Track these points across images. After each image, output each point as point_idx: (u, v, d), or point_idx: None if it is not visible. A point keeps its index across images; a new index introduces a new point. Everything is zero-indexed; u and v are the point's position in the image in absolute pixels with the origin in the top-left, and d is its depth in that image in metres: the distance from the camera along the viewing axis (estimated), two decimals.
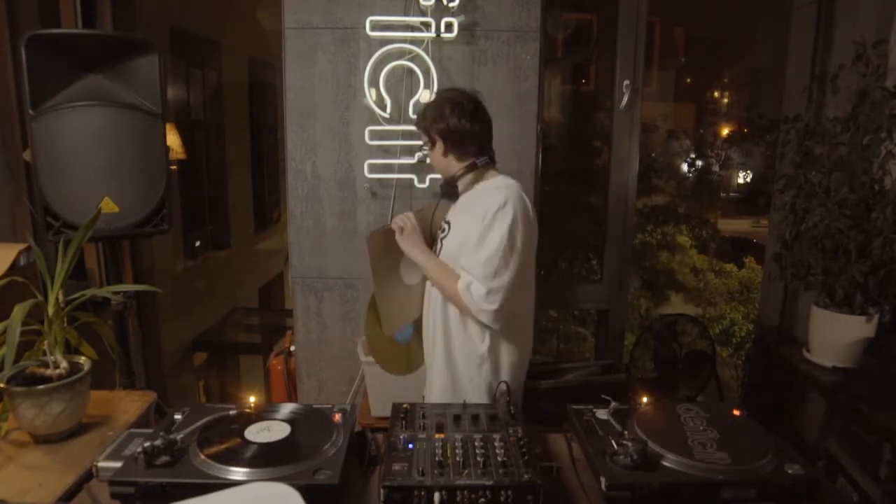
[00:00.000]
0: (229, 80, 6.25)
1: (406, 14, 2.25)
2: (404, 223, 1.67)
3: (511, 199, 1.54)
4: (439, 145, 1.65)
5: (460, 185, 1.67)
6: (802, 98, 2.59)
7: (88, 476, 1.16)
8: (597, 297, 2.95)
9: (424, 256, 1.65)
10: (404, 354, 1.98)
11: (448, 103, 1.62)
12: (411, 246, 1.66)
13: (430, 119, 1.64)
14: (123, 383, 2.00)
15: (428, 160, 1.78)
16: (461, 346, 1.65)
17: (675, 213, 6.77)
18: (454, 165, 1.65)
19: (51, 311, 1.32)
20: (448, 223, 1.71)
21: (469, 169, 1.64)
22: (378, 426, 1.55)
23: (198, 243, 5.81)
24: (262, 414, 1.24)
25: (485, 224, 1.53)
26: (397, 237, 1.67)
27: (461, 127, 1.60)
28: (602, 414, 1.29)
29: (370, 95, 2.27)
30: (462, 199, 1.68)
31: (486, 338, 1.62)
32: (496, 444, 1.13)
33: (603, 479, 1.05)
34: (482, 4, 2.27)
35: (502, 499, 1.00)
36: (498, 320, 1.55)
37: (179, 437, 1.09)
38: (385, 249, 1.73)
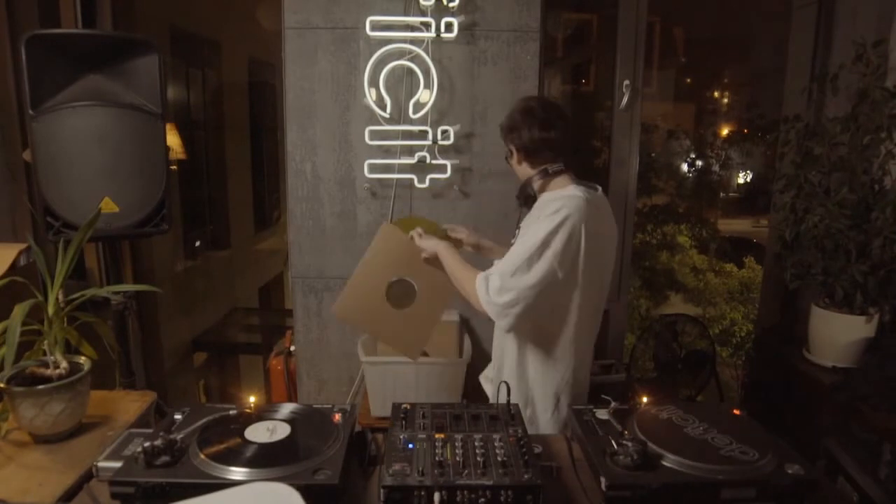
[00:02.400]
0: (229, 80, 6.25)
1: (406, 14, 2.25)
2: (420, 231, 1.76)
3: (565, 209, 1.52)
4: (515, 154, 1.69)
5: (534, 190, 1.67)
6: (802, 98, 2.59)
7: (88, 476, 1.15)
8: None
9: (446, 250, 1.69)
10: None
11: (520, 113, 1.66)
12: (431, 241, 1.72)
13: (505, 130, 1.69)
14: (123, 383, 2.00)
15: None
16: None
17: (675, 213, 6.76)
18: (528, 172, 1.68)
19: (51, 311, 1.32)
20: (519, 229, 1.72)
21: (541, 175, 1.65)
22: (378, 426, 1.55)
23: (198, 243, 5.81)
24: (262, 414, 1.24)
25: (532, 227, 1.55)
26: (416, 240, 1.74)
27: (532, 136, 1.62)
28: (602, 414, 1.29)
29: (370, 95, 2.27)
30: (535, 205, 1.68)
31: (516, 352, 1.67)
32: (496, 444, 1.13)
33: (603, 479, 1.05)
34: (482, 4, 2.27)
35: (502, 499, 0.99)
36: (503, 317, 1.53)
37: (179, 437, 1.09)
38: (390, 247, 1.77)
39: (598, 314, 1.72)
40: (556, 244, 1.50)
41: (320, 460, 1.06)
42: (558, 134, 1.64)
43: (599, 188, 1.70)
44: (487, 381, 1.90)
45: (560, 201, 1.55)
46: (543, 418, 1.68)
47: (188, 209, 5.58)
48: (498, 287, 1.52)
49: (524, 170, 1.69)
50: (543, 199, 1.65)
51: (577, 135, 5.04)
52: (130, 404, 1.49)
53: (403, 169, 2.34)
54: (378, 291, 1.80)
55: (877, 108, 2.09)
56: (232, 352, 6.45)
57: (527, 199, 1.69)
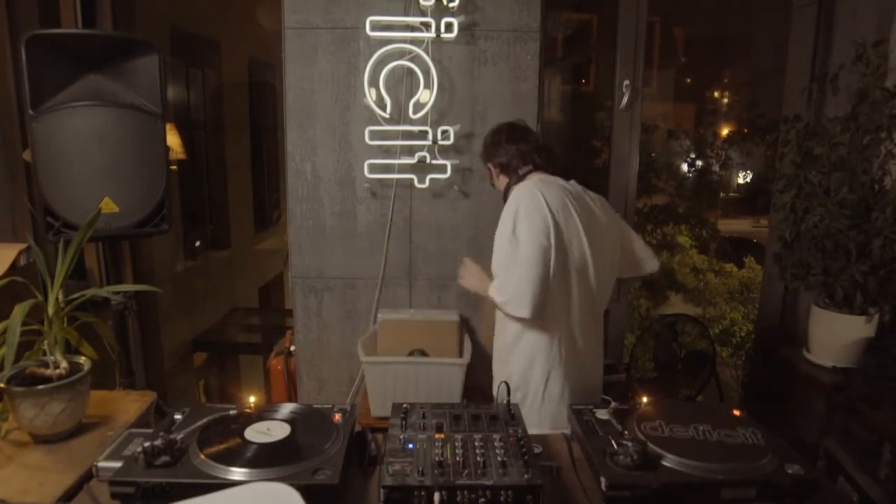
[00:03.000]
0: (229, 80, 6.25)
1: (406, 14, 2.25)
2: (461, 270, 1.93)
3: (515, 191, 1.73)
4: (493, 171, 1.93)
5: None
6: (802, 98, 2.59)
7: (88, 476, 1.16)
8: None
9: (477, 283, 1.86)
10: None
11: (490, 136, 1.94)
12: (468, 284, 1.90)
13: (483, 156, 1.97)
14: (123, 383, 2.00)
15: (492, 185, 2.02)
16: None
17: (675, 213, 6.75)
18: (504, 181, 1.89)
19: (51, 311, 1.32)
20: None
21: (515, 180, 1.84)
22: (378, 426, 1.55)
23: (198, 243, 5.80)
24: (262, 414, 1.24)
25: (498, 229, 1.73)
26: (459, 282, 1.93)
27: (504, 150, 1.87)
28: (602, 414, 1.29)
29: (370, 95, 2.27)
30: None
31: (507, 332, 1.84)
32: (496, 444, 1.13)
33: (603, 479, 1.05)
34: (482, 4, 2.27)
35: (502, 499, 0.99)
36: (520, 307, 1.63)
37: (179, 437, 1.09)
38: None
39: (582, 291, 1.75)
40: (524, 219, 1.65)
41: (320, 460, 1.06)
42: (525, 145, 1.86)
43: (573, 181, 1.86)
44: None
45: (516, 194, 1.74)
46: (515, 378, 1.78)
47: (188, 209, 5.58)
48: (499, 285, 1.67)
49: (503, 181, 1.90)
50: None
51: (577, 135, 5.04)
52: (130, 404, 1.49)
53: (403, 169, 2.34)
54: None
55: (877, 108, 2.09)
56: (232, 352, 6.44)
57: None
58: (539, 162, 1.85)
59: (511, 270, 1.64)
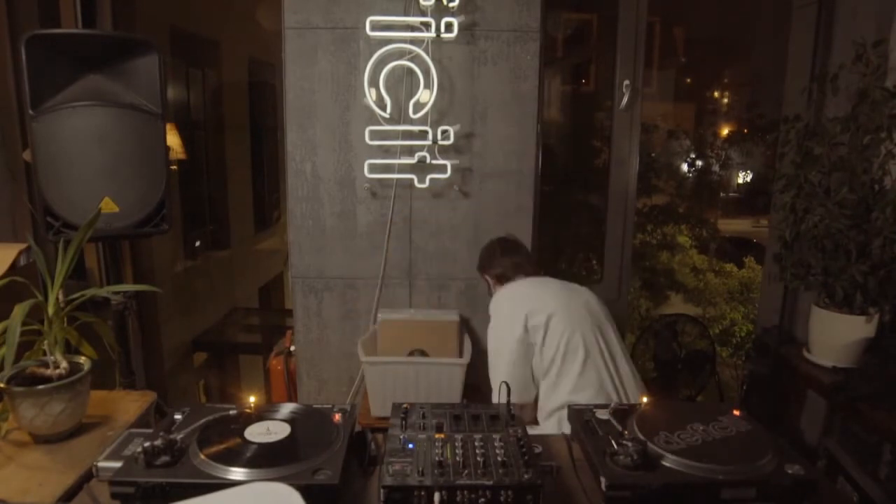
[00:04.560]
0: (229, 80, 6.25)
1: (406, 14, 2.25)
2: None
3: (491, 312, 1.97)
4: (490, 281, 2.15)
5: None
6: (802, 98, 2.59)
7: (88, 476, 1.15)
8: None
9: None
10: None
11: (485, 251, 2.20)
12: None
13: (479, 269, 2.23)
14: (123, 383, 2.00)
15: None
16: None
17: (675, 213, 6.76)
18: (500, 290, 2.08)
19: (51, 311, 1.32)
20: None
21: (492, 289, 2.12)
22: (378, 426, 1.55)
23: (198, 243, 5.80)
24: (262, 414, 1.24)
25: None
26: None
27: (497, 263, 2.11)
28: (602, 414, 1.29)
29: (370, 95, 2.27)
30: None
31: None
32: (496, 444, 1.13)
33: (603, 480, 1.05)
34: (482, 4, 2.27)
35: (502, 499, 0.99)
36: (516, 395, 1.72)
37: (179, 437, 1.09)
38: None
39: (577, 346, 1.87)
40: (494, 316, 1.94)
41: (320, 460, 1.06)
42: (518, 257, 2.09)
43: (542, 273, 2.12)
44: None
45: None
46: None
47: (188, 209, 5.58)
48: (493, 379, 1.88)
49: (499, 290, 2.06)
50: None
51: (577, 135, 5.05)
52: (130, 404, 1.49)
53: (403, 169, 2.34)
54: None
55: (877, 108, 2.08)
56: (232, 352, 6.44)
57: None
58: (531, 272, 2.06)
59: (492, 368, 1.89)
